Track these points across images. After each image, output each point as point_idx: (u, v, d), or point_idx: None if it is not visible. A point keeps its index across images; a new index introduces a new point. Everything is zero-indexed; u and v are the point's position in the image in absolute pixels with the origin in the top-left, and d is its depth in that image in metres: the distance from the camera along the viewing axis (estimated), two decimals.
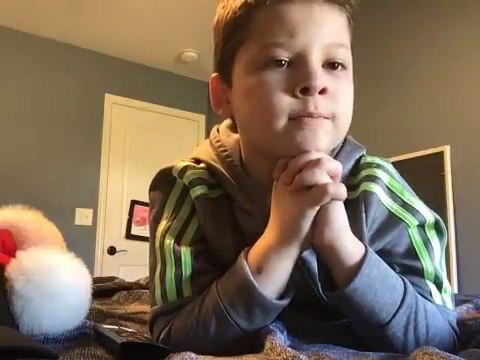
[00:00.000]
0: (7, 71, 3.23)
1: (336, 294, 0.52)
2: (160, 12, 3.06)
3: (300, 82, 0.50)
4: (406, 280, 0.54)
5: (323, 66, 0.51)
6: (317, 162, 0.49)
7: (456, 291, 2.02)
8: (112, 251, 3.47)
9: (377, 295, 0.51)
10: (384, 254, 0.56)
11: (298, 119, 0.50)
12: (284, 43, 0.50)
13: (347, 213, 0.52)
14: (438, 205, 2.07)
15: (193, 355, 0.43)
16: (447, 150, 2.21)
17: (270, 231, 0.53)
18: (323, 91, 0.50)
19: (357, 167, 0.61)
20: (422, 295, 0.55)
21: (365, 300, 0.50)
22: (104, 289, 1.13)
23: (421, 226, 0.59)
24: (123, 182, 3.62)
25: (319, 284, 0.57)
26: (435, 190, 2.19)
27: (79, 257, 0.67)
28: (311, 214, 0.50)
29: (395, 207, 0.59)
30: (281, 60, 0.51)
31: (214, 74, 0.61)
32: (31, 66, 3.32)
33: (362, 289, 0.50)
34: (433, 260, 0.58)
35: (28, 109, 3.26)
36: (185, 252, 0.59)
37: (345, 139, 0.62)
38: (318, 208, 0.50)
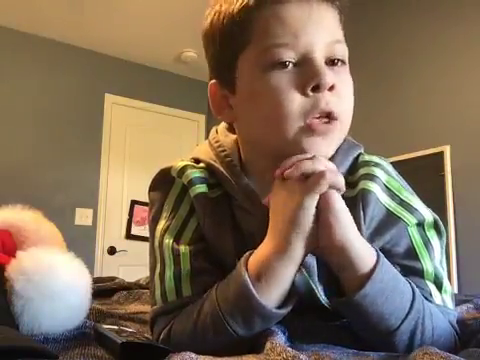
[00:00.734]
0: (7, 71, 3.23)
1: (344, 301, 0.50)
2: (160, 12, 3.06)
3: (310, 80, 0.50)
4: (412, 283, 0.53)
5: (326, 63, 0.52)
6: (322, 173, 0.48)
7: (456, 291, 2.02)
8: (112, 251, 3.47)
9: (388, 301, 0.49)
10: (383, 254, 0.56)
11: (311, 124, 0.51)
12: (288, 44, 0.51)
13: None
14: (438, 205, 2.07)
15: (193, 355, 0.43)
16: (447, 150, 2.21)
17: (270, 236, 0.51)
18: (331, 88, 0.51)
19: (355, 165, 0.61)
20: (422, 296, 0.55)
21: (375, 306, 0.49)
22: (104, 289, 1.13)
23: (420, 225, 0.59)
24: (123, 182, 3.62)
25: (321, 287, 0.54)
26: (435, 190, 2.19)
27: (79, 257, 0.67)
28: (310, 205, 0.48)
29: (393, 205, 0.59)
30: (286, 61, 0.51)
31: (212, 81, 0.61)
32: (31, 66, 3.32)
33: (373, 295, 0.49)
34: (433, 260, 0.58)
35: (28, 109, 3.26)
36: (184, 251, 0.59)
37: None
38: (317, 198, 0.49)
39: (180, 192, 0.63)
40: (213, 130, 0.69)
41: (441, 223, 0.61)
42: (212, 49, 0.59)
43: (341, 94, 0.53)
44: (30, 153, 3.23)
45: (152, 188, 0.67)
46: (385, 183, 0.60)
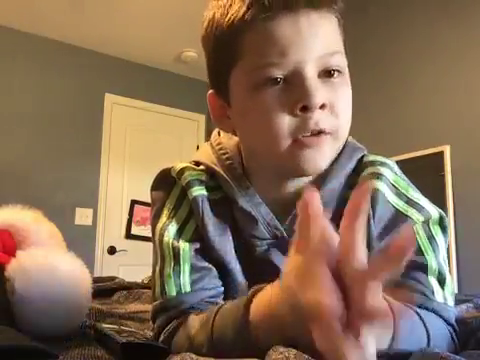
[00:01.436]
0: (7, 71, 3.23)
1: None
2: (160, 12, 3.06)
3: (298, 100, 0.49)
4: (427, 324, 0.49)
5: (319, 76, 0.51)
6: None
7: (456, 291, 2.02)
8: (112, 251, 3.47)
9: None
10: None
11: (301, 140, 0.51)
12: (276, 63, 0.50)
13: None
14: (438, 205, 2.05)
15: (193, 356, 0.43)
16: (447, 150, 2.21)
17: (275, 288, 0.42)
18: (322, 106, 0.50)
19: (360, 166, 0.62)
20: (424, 294, 0.55)
21: None
22: (104, 289, 1.13)
23: (426, 222, 0.59)
24: (123, 182, 3.61)
25: None
26: (435, 190, 2.18)
27: (79, 257, 0.68)
28: None
29: (401, 204, 0.59)
30: (277, 78, 0.50)
31: (210, 91, 0.61)
32: (31, 66, 3.32)
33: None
34: (437, 256, 0.58)
35: (28, 109, 3.26)
36: (184, 248, 0.59)
37: (345, 141, 0.62)
38: None
39: (180, 193, 0.63)
40: (215, 132, 0.69)
41: (446, 220, 0.60)
42: (207, 60, 0.60)
43: (335, 110, 0.51)
44: (30, 153, 3.23)
45: (154, 187, 0.68)
46: (392, 182, 0.60)
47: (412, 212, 0.58)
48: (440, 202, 2.13)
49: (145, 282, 1.31)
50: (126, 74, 3.67)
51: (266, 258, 0.59)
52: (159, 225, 0.62)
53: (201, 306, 0.57)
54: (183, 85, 3.88)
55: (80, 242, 2.85)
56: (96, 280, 1.18)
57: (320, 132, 0.51)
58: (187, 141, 3.88)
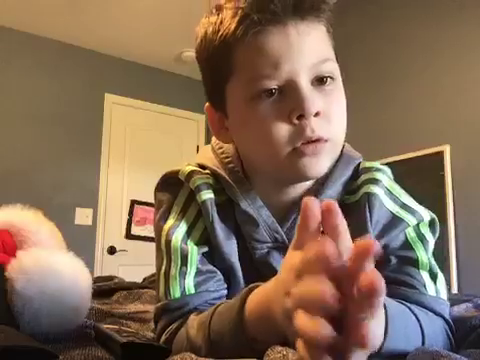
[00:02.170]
0: (7, 71, 3.23)
1: None
2: (160, 12, 3.06)
3: (294, 109, 0.51)
4: (423, 327, 0.51)
5: (312, 83, 0.52)
6: None
7: (456, 291, 2.02)
8: (112, 251, 3.47)
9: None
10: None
11: (299, 148, 0.52)
12: (269, 75, 0.51)
13: (351, 216, 0.51)
14: (438, 205, 2.07)
15: (193, 356, 0.43)
16: (447, 150, 2.21)
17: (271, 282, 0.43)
18: (317, 114, 0.52)
19: (357, 172, 0.64)
20: (416, 288, 0.56)
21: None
22: (104, 289, 1.13)
23: (417, 224, 0.61)
24: (123, 182, 3.61)
25: None
26: (435, 190, 2.19)
27: (79, 257, 0.67)
28: None
29: (396, 208, 0.61)
30: (271, 89, 0.52)
31: (207, 104, 0.62)
32: (31, 66, 3.32)
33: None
34: (428, 252, 0.60)
35: (28, 109, 3.26)
36: (191, 251, 0.59)
37: (342, 149, 0.63)
38: None
39: (188, 196, 0.63)
40: None
41: (437, 222, 0.63)
42: (202, 75, 0.61)
43: (330, 117, 0.53)
44: (30, 153, 3.23)
45: (160, 189, 0.67)
46: (387, 187, 0.62)
47: (407, 215, 0.60)
48: (440, 202, 2.13)
49: (150, 280, 1.30)
50: (126, 74, 3.68)
51: (266, 261, 0.60)
52: (167, 226, 0.62)
53: (204, 308, 0.57)
54: (183, 85, 3.88)
55: (80, 242, 2.85)
56: (96, 280, 1.18)
57: (317, 140, 0.52)
58: (187, 141, 3.88)
